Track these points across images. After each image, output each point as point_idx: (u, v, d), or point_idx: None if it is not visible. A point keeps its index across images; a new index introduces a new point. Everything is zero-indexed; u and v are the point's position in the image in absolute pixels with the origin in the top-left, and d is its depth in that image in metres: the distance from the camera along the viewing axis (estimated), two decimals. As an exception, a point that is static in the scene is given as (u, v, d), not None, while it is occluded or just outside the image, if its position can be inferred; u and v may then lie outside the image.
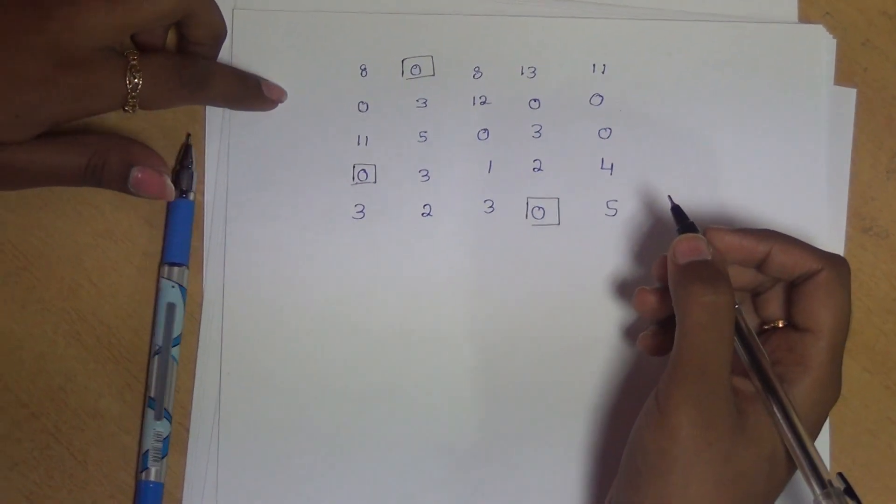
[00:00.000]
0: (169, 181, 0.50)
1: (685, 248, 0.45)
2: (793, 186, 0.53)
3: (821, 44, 0.54)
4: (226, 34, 0.52)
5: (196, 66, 0.50)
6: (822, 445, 0.52)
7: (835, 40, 0.54)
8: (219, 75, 0.51)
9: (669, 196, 0.48)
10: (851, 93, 0.54)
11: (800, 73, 0.53)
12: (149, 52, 0.50)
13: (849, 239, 0.53)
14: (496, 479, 0.51)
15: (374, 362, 0.52)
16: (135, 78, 0.47)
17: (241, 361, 0.52)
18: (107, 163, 0.49)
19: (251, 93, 0.52)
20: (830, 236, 0.53)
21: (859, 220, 0.53)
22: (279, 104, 0.53)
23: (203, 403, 0.52)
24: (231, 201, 0.53)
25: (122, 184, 0.49)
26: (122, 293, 0.53)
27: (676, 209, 0.48)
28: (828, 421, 0.52)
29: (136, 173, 0.49)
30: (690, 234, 0.46)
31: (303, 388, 0.52)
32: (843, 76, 0.54)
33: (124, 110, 0.48)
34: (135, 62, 0.47)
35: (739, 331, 0.45)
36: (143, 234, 0.53)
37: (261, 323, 0.52)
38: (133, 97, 0.48)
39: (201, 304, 0.52)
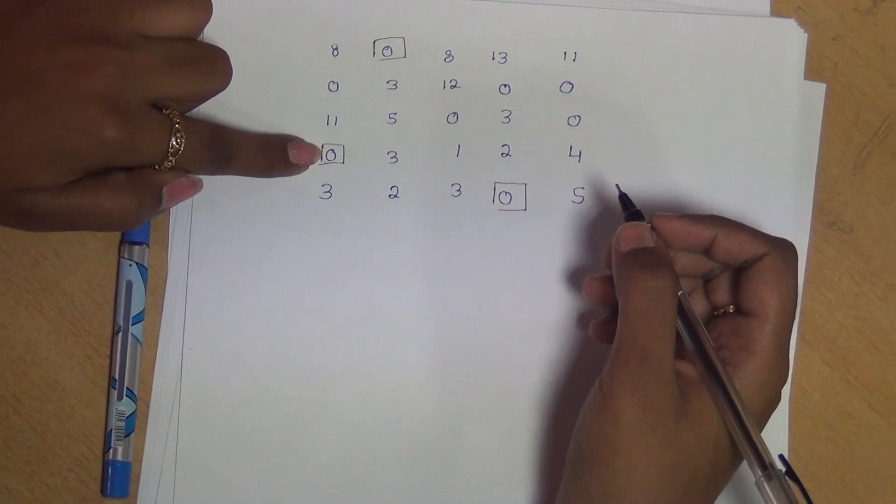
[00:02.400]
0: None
1: (628, 236, 0.45)
2: (760, 179, 0.53)
3: (792, 38, 0.54)
4: None
5: (225, 142, 0.49)
6: (781, 438, 0.52)
7: (806, 35, 0.54)
8: (245, 151, 0.50)
9: (617, 184, 0.49)
10: (821, 87, 0.54)
11: (770, 66, 0.53)
12: (189, 117, 0.47)
13: (813, 233, 0.53)
14: (454, 460, 0.51)
15: (337, 342, 0.52)
16: (177, 141, 0.46)
17: (203, 338, 0.52)
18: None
19: (277, 163, 0.51)
20: (795, 230, 0.53)
21: (824, 214, 0.54)
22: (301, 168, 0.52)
23: (164, 380, 0.52)
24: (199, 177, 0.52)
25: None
26: (86, 266, 0.53)
27: (623, 197, 0.48)
28: (787, 414, 0.52)
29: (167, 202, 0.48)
30: (634, 222, 0.46)
31: (265, 367, 0.52)
32: (814, 71, 0.54)
33: (154, 167, 0.47)
34: (179, 125, 0.46)
35: (684, 316, 0.45)
36: (108, 207, 0.53)
37: (224, 300, 0.52)
38: (171, 159, 0.46)
39: (165, 281, 0.52)
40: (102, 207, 0.45)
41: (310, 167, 0.52)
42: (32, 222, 0.46)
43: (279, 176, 0.52)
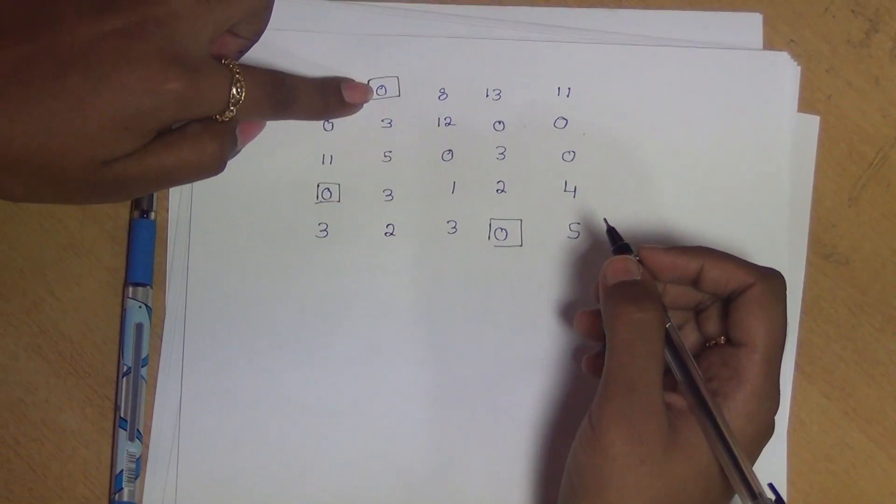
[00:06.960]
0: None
1: (615, 269, 0.46)
2: (755, 212, 0.53)
3: (785, 71, 0.54)
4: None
5: (285, 87, 0.49)
6: (780, 471, 0.52)
7: (799, 68, 0.54)
8: (304, 93, 0.50)
9: (605, 219, 0.49)
10: (815, 120, 0.54)
11: (764, 99, 0.54)
12: (247, 65, 0.48)
13: (809, 265, 0.53)
14: (449, 496, 0.52)
15: (334, 381, 0.52)
16: (238, 90, 0.46)
17: (201, 378, 0.52)
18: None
19: (333, 104, 0.52)
20: (791, 262, 0.53)
21: (820, 246, 0.54)
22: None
23: (163, 421, 0.52)
24: (195, 218, 0.53)
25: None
26: (85, 308, 0.53)
27: (611, 231, 0.48)
28: (785, 446, 0.52)
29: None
30: (621, 256, 0.46)
31: (263, 407, 0.52)
32: (807, 104, 0.54)
33: (215, 118, 0.47)
34: (238, 75, 0.46)
35: (673, 347, 0.45)
36: (106, 248, 0.53)
37: (222, 340, 0.52)
38: (232, 109, 0.46)
39: (163, 321, 0.53)
40: (187, 159, 0.46)
41: (306, 206, 0.53)
42: (123, 191, 0.47)
43: (335, 117, 0.53)
